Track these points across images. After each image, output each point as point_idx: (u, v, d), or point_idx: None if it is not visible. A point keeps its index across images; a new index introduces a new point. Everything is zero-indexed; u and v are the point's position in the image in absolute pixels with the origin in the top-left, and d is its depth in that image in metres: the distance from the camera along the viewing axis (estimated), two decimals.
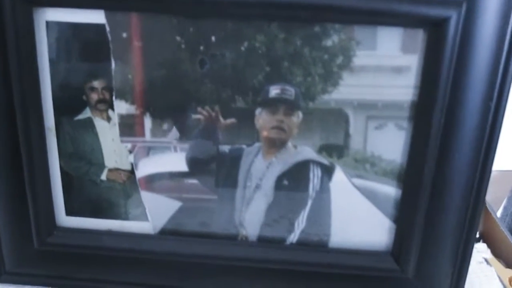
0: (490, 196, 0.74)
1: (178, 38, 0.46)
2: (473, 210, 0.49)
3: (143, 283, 0.53)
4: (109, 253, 0.53)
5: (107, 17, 0.46)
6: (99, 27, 0.46)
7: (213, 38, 0.46)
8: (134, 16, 0.46)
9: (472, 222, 0.49)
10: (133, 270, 0.53)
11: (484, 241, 0.68)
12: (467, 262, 0.51)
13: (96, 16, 0.46)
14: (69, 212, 0.53)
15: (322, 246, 0.52)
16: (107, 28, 0.46)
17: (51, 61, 0.48)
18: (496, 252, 0.65)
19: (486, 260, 0.62)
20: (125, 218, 0.53)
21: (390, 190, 0.50)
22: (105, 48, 0.47)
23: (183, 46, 0.46)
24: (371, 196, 0.50)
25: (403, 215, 0.50)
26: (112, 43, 0.47)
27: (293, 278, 0.52)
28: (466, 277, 0.51)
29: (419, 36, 0.45)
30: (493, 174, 0.73)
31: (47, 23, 0.47)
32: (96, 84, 0.48)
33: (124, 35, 0.46)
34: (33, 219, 0.52)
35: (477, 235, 0.70)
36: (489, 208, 0.71)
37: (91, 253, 0.53)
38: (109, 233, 0.53)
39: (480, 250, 0.65)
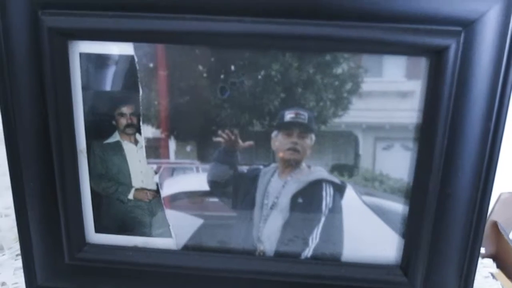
0: (502, 218, 0.75)
1: (200, 67, 0.49)
2: (477, 225, 0.51)
3: None
4: (135, 267, 0.55)
5: (135, 49, 0.49)
6: (128, 58, 0.50)
7: (232, 67, 0.49)
8: (160, 47, 0.49)
9: (476, 236, 0.51)
10: (157, 284, 0.56)
11: (496, 263, 0.70)
12: (473, 275, 0.53)
13: (125, 48, 0.49)
14: (98, 229, 0.56)
15: (335, 260, 0.54)
16: (136, 59, 0.50)
17: (83, 88, 0.51)
18: (509, 273, 0.67)
19: (492, 274, 0.65)
20: (150, 235, 0.56)
21: (398, 207, 0.52)
22: (133, 77, 0.50)
23: (205, 74, 0.50)
24: (380, 212, 0.53)
25: (411, 230, 0.52)
26: (139, 72, 0.50)
27: None
28: None
29: (422, 64, 0.48)
30: (505, 196, 0.74)
31: (81, 54, 0.50)
32: (125, 110, 0.51)
33: (151, 65, 0.50)
34: (65, 236, 0.54)
35: (490, 257, 0.72)
36: (501, 230, 0.73)
37: (118, 268, 0.56)
38: (135, 249, 0.56)
39: (486, 265, 0.67)
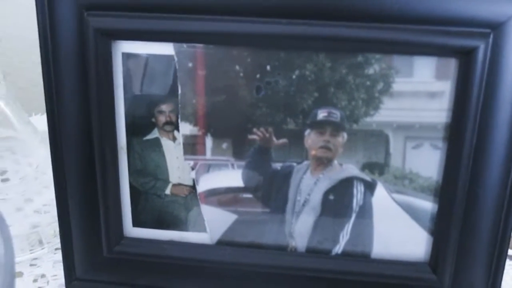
0: None
1: (237, 67, 0.52)
2: (505, 225, 0.52)
3: None
4: (170, 261, 0.57)
5: (175, 49, 0.52)
6: (168, 58, 0.52)
7: (268, 67, 0.51)
8: (199, 48, 0.52)
9: (504, 236, 0.52)
10: (191, 278, 0.58)
11: None
12: (500, 274, 0.54)
13: (165, 48, 0.52)
14: (135, 223, 0.58)
15: (365, 257, 0.56)
16: (175, 59, 0.52)
17: (125, 87, 0.53)
18: None
19: None
20: (185, 229, 0.57)
21: (427, 205, 0.53)
22: (173, 76, 0.52)
23: (241, 74, 0.52)
24: (409, 210, 0.54)
25: (439, 228, 0.53)
26: (179, 72, 0.52)
27: (338, 286, 0.56)
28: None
29: (451, 64, 0.49)
30: None
31: (123, 54, 0.52)
32: (164, 108, 0.54)
33: (190, 64, 0.52)
34: (104, 230, 0.56)
35: None
36: None
37: (154, 261, 0.58)
38: (171, 243, 0.58)
39: None
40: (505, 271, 0.54)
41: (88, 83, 0.52)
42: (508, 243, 0.53)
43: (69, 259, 0.58)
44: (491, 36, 0.47)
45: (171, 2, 0.49)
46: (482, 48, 0.47)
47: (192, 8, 0.49)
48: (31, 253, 0.65)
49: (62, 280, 0.60)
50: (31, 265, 0.64)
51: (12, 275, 0.37)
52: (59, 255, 0.64)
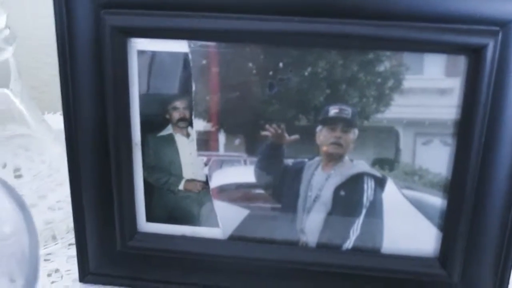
0: None
1: (250, 64, 0.52)
2: None
3: (213, 285, 0.59)
4: (183, 256, 0.58)
5: (189, 46, 0.53)
6: (182, 55, 0.53)
7: (280, 64, 0.52)
8: (213, 45, 0.53)
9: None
10: (203, 272, 0.59)
11: None
12: (508, 270, 0.54)
13: (180, 46, 0.53)
14: (149, 218, 0.59)
15: (375, 252, 0.57)
16: (190, 56, 0.53)
17: (139, 84, 0.54)
18: None
19: None
20: (198, 224, 0.58)
21: (437, 201, 0.54)
22: (187, 73, 0.53)
23: (254, 71, 0.53)
24: (419, 206, 0.55)
25: (449, 223, 0.54)
26: (193, 69, 0.53)
27: (349, 280, 0.57)
28: (508, 283, 0.55)
29: (461, 62, 0.50)
30: None
31: (138, 51, 0.54)
32: (178, 104, 0.55)
33: (204, 62, 0.53)
34: (118, 225, 0.58)
35: None
36: None
37: (166, 256, 0.59)
38: (183, 238, 0.59)
39: None
40: None
41: (104, 80, 0.53)
42: None
43: (83, 254, 0.60)
44: (500, 34, 0.48)
45: (185, 0, 0.51)
46: (491, 46, 0.48)
47: (206, 6, 0.50)
48: (45, 248, 0.66)
49: (75, 275, 0.61)
50: (45, 260, 0.65)
51: (36, 266, 0.37)
52: (72, 251, 0.65)
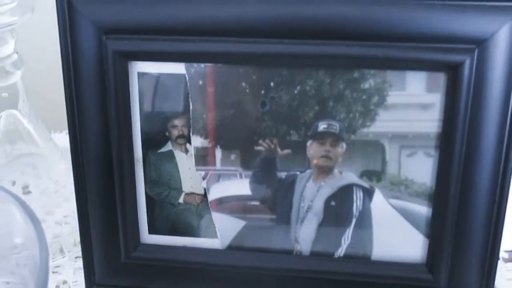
0: None
1: (243, 84, 0.55)
2: (495, 228, 0.55)
3: None
4: (184, 265, 0.61)
5: (186, 68, 0.56)
6: (180, 76, 0.56)
7: (272, 84, 0.55)
8: (209, 67, 0.56)
9: (495, 236, 0.56)
10: (203, 281, 0.61)
11: None
12: (493, 274, 0.57)
13: (178, 68, 0.56)
14: (151, 230, 0.62)
15: (365, 259, 0.59)
16: (187, 77, 0.56)
17: (140, 104, 0.57)
18: None
19: None
20: (198, 235, 0.61)
21: (422, 209, 0.57)
22: (184, 93, 0.56)
23: (247, 90, 0.56)
24: (406, 214, 0.57)
25: (434, 230, 0.57)
26: (190, 89, 0.56)
27: (341, 286, 0.59)
28: (493, 286, 0.57)
29: (440, 78, 0.53)
30: None
31: (138, 73, 0.57)
32: (177, 122, 0.58)
33: (200, 82, 0.56)
34: (122, 237, 0.60)
35: None
36: None
37: (168, 265, 0.61)
38: (184, 249, 0.61)
39: (510, 269, 0.70)
40: (502, 274, 0.56)
41: (107, 101, 0.56)
42: (500, 244, 0.57)
43: (89, 266, 0.62)
44: (476, 51, 0.50)
45: (182, 26, 0.54)
46: (467, 63, 0.51)
47: (202, 31, 0.53)
48: (53, 261, 0.69)
49: (82, 286, 0.64)
50: (53, 272, 0.68)
51: (46, 276, 0.40)
52: (79, 263, 0.68)
